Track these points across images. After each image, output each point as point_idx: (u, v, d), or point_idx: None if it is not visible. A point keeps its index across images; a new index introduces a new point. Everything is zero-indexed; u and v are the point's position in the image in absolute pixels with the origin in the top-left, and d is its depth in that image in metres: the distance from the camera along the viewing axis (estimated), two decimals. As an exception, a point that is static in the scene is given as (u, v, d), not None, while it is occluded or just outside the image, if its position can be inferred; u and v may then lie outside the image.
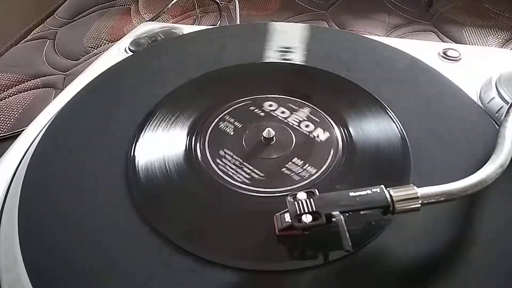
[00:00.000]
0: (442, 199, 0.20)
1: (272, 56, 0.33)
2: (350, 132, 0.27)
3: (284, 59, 0.33)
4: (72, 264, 0.21)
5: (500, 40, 0.49)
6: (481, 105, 0.30)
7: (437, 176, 0.24)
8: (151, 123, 0.27)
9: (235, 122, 0.28)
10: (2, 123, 0.42)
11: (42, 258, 0.21)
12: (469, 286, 0.20)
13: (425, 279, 0.20)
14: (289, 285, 0.20)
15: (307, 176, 0.24)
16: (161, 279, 0.20)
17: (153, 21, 0.49)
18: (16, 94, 0.45)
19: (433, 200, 0.20)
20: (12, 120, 0.42)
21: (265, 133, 0.26)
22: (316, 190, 0.21)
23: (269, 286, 0.20)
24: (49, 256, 0.21)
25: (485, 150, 0.24)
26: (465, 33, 0.50)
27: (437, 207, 0.21)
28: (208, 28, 0.40)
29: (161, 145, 0.26)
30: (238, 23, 0.52)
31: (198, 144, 0.26)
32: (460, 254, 0.21)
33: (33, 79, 0.47)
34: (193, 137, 0.27)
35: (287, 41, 0.35)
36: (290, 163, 0.25)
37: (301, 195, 0.20)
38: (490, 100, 0.30)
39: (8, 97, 0.45)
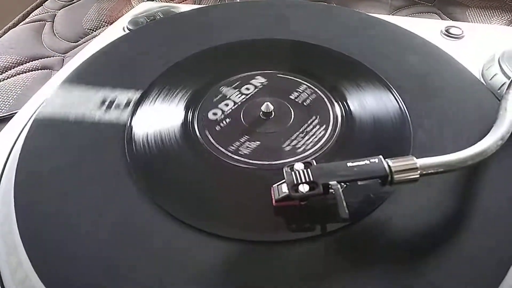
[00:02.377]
0: (442, 170, 0.20)
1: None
2: (349, 107, 0.26)
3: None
4: (70, 237, 0.21)
5: (504, 22, 0.48)
6: (483, 81, 0.30)
7: (437, 150, 0.24)
8: (149, 96, 0.27)
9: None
10: (1, 104, 0.41)
11: (39, 237, 0.21)
12: (468, 259, 0.19)
13: (424, 252, 0.19)
14: (286, 256, 0.19)
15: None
16: (157, 248, 0.20)
17: (152, 0, 0.49)
18: (15, 76, 0.45)
19: (432, 171, 0.20)
20: (11, 101, 0.42)
21: (263, 107, 0.25)
22: (313, 160, 0.20)
23: (266, 256, 0.19)
24: (47, 234, 0.21)
25: (486, 124, 0.23)
26: (469, 14, 0.50)
27: (438, 180, 0.21)
28: (207, 6, 0.40)
29: (159, 117, 0.26)
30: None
31: (195, 116, 0.26)
32: (459, 228, 0.20)
33: (32, 61, 0.47)
34: (191, 110, 0.26)
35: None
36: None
37: (299, 166, 0.20)
38: (493, 76, 0.29)
39: (6, 79, 0.45)
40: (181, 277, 0.19)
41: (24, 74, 0.45)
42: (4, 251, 0.22)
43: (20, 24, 0.54)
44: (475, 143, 0.21)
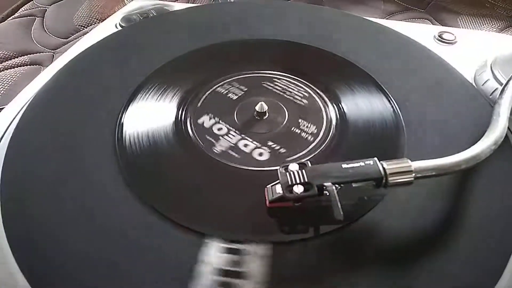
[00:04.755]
0: (436, 173, 0.20)
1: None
2: (344, 110, 0.26)
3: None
4: (58, 235, 0.20)
5: (495, 30, 0.49)
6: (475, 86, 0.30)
7: (431, 154, 0.24)
8: (141, 93, 0.27)
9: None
10: (-12, 99, 0.40)
11: (27, 233, 0.20)
12: (463, 261, 0.19)
13: (418, 254, 0.19)
14: (280, 257, 0.19)
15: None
16: (147, 248, 0.19)
17: (145, -1, 0.48)
18: (3, 71, 0.44)
19: (426, 174, 0.20)
20: (-2, 96, 0.41)
21: (257, 107, 0.25)
22: (308, 161, 0.20)
23: (260, 257, 0.19)
24: (35, 229, 0.20)
25: (479, 129, 0.24)
26: (460, 21, 0.50)
27: (431, 184, 0.21)
28: (204, 5, 0.40)
29: (150, 114, 0.26)
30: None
31: (188, 115, 0.26)
32: (453, 230, 0.20)
33: (21, 56, 0.46)
34: (184, 108, 0.26)
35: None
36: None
37: (293, 166, 0.20)
38: (485, 82, 0.29)
39: (-6, 74, 0.44)
40: (170, 277, 0.18)
41: (13, 69, 0.44)
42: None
43: (9, 18, 0.53)
44: (468, 148, 0.21)
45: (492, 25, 0.49)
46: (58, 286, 0.18)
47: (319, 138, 0.24)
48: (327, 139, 0.24)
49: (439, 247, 0.20)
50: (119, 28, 0.37)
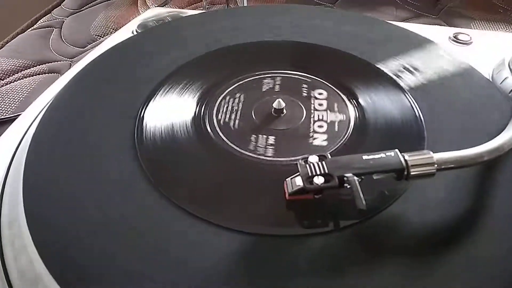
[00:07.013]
0: (458, 165, 0.19)
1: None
2: (363, 109, 0.26)
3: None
4: (76, 225, 0.20)
5: (509, 34, 0.49)
6: (493, 85, 0.30)
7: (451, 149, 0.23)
8: (161, 90, 0.27)
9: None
10: (7, 106, 0.41)
11: (46, 224, 0.21)
12: (484, 258, 0.19)
13: (438, 250, 0.19)
14: (299, 250, 0.19)
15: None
16: (168, 242, 0.19)
17: (161, 6, 0.49)
18: (21, 79, 0.45)
19: (448, 166, 0.19)
20: (17, 103, 0.42)
21: (275, 104, 0.25)
22: (328, 153, 0.20)
23: (278, 250, 0.19)
24: (56, 227, 0.21)
25: (499, 125, 0.23)
26: (473, 27, 0.50)
27: (453, 177, 0.21)
28: (221, 9, 0.40)
29: (170, 110, 0.26)
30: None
31: (207, 111, 0.26)
32: (475, 226, 0.20)
33: (39, 65, 0.47)
34: (203, 104, 0.26)
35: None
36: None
37: (313, 158, 0.20)
38: (503, 80, 0.29)
39: (13, 82, 0.45)
40: (190, 270, 0.18)
41: (31, 77, 0.45)
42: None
43: (28, 30, 0.54)
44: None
45: (506, 30, 0.49)
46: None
47: (337, 137, 0.24)
48: (346, 135, 0.24)
49: (459, 243, 0.19)
50: (136, 34, 0.38)
